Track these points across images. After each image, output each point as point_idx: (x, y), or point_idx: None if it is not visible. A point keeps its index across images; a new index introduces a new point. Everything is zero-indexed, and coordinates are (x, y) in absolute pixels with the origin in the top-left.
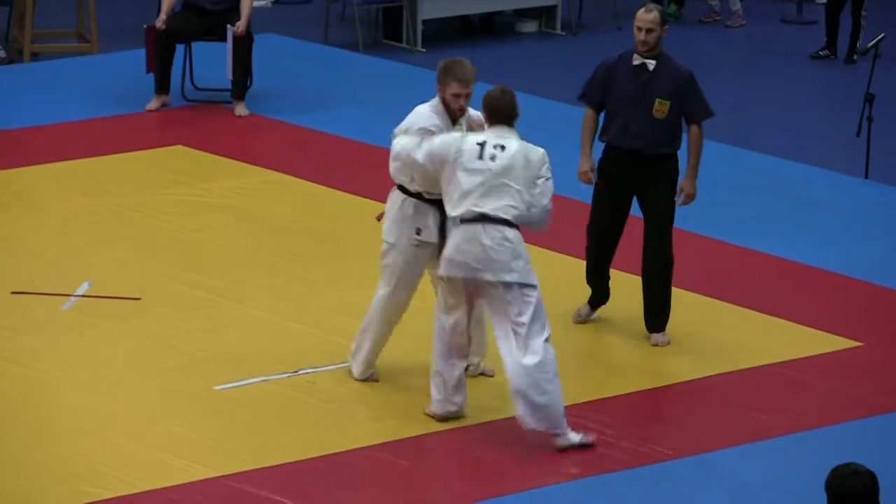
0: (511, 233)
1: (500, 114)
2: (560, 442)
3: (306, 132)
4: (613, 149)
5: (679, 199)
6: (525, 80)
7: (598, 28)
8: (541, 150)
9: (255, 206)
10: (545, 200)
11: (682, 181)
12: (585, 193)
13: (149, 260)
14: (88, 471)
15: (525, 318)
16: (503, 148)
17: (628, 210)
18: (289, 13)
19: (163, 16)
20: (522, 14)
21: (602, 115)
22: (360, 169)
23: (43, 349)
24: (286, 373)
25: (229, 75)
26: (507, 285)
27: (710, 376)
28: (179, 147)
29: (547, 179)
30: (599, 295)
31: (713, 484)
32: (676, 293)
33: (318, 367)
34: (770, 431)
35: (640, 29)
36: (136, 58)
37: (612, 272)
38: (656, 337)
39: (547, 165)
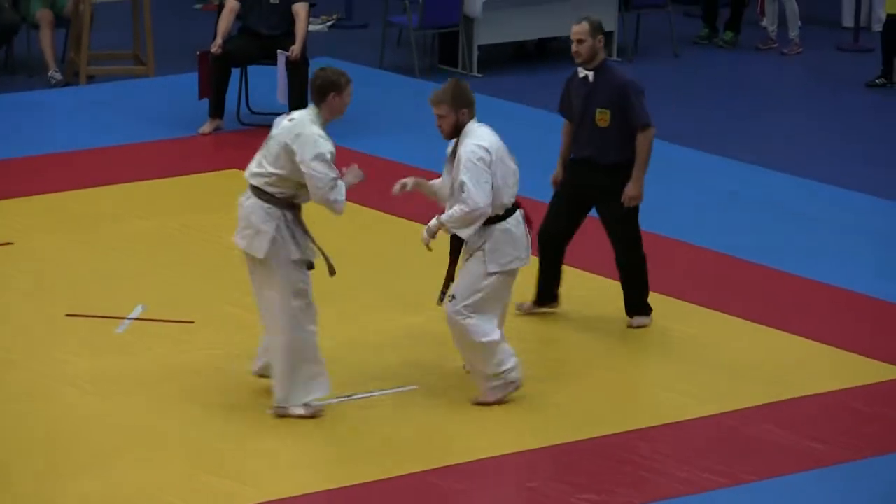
0: None
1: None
2: None
3: (362, 157)
4: (572, 158)
5: (623, 200)
6: None
7: (655, 54)
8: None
9: (310, 229)
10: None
11: (628, 184)
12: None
13: (202, 283)
14: (142, 494)
15: None
16: None
17: (579, 220)
18: (345, 37)
19: (219, 40)
20: None
21: None
22: (414, 194)
23: (97, 372)
24: (340, 397)
25: (281, 99)
26: None
27: (766, 403)
28: (233, 170)
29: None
30: (544, 295)
31: None
32: (735, 322)
33: (373, 392)
34: (825, 460)
35: (572, 41)
36: (192, 81)
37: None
38: (637, 319)
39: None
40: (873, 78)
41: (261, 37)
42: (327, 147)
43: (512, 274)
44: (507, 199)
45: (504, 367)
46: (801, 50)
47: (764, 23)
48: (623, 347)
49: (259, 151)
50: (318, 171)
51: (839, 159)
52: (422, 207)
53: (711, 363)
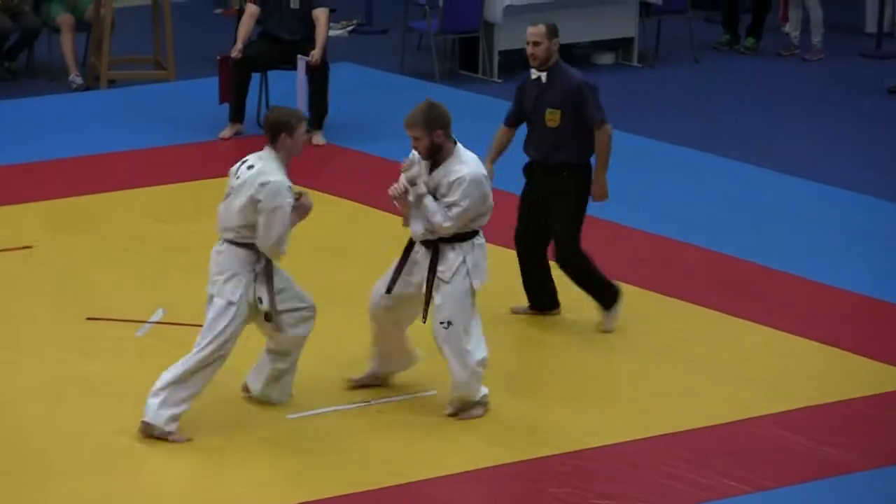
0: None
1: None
2: None
3: (383, 162)
4: (527, 162)
5: (595, 199)
6: None
7: (676, 60)
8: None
9: (332, 236)
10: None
11: (593, 182)
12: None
13: None
14: (156, 501)
15: None
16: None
17: (545, 222)
18: (365, 42)
19: (239, 44)
20: (599, 46)
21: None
22: None
23: (117, 375)
24: (358, 403)
25: (300, 105)
26: None
27: (784, 411)
28: None
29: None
30: (535, 302)
31: None
32: (754, 328)
33: (392, 398)
34: (844, 467)
35: (528, 42)
36: (212, 85)
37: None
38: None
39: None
40: (895, 83)
41: (281, 42)
42: (287, 200)
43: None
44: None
45: (484, 392)
46: (822, 56)
47: (787, 28)
48: (633, 353)
49: (222, 203)
50: (274, 225)
51: (860, 165)
52: None
53: (727, 368)
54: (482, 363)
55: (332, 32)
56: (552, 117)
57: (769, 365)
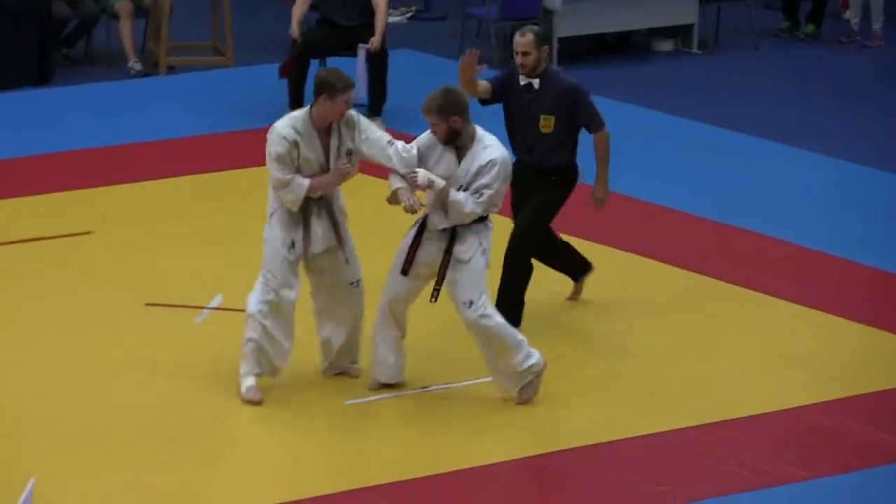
0: None
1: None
2: None
3: None
4: (518, 161)
5: (594, 205)
6: (660, 100)
7: (735, 47)
8: None
9: (387, 221)
10: None
11: (594, 187)
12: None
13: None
14: (218, 486)
15: None
16: None
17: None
18: (424, 29)
19: (294, 25)
20: (658, 33)
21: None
22: None
23: (176, 361)
24: (417, 388)
25: (360, 92)
26: None
27: (843, 397)
28: None
29: None
30: (580, 271)
31: None
32: (808, 313)
33: (450, 384)
34: None
35: (517, 52)
36: (271, 71)
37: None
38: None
39: None
40: None
41: (339, 28)
42: (277, 148)
43: None
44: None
45: (531, 362)
46: (882, 43)
47: (847, 15)
48: (687, 340)
49: None
50: (272, 171)
51: None
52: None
53: (783, 354)
54: (520, 342)
55: (390, 19)
56: (546, 123)
57: (825, 350)
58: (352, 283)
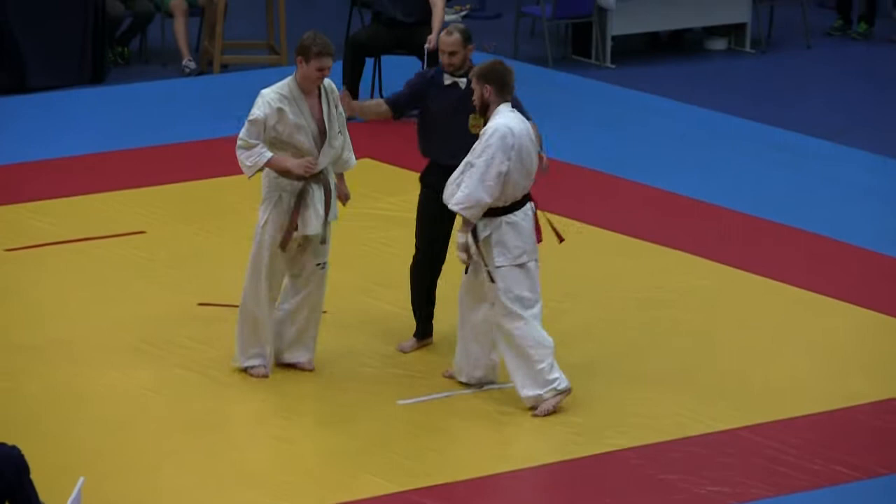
0: None
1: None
2: None
3: None
4: (435, 165)
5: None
6: (713, 98)
7: (788, 46)
8: None
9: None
10: None
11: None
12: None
13: (336, 273)
14: (284, 484)
15: None
16: None
17: (452, 225)
18: (478, 27)
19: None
20: (712, 31)
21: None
22: (548, 183)
23: (229, 360)
24: (471, 388)
25: None
26: None
27: (892, 398)
28: (367, 160)
29: None
30: (426, 324)
31: None
32: (860, 313)
33: (504, 384)
34: None
35: (443, 52)
36: None
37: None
38: None
39: None
40: None
41: (394, 25)
42: (257, 111)
43: (523, 268)
44: (520, 192)
45: (552, 376)
46: None
47: None
48: (738, 339)
49: None
50: (242, 130)
51: None
52: (563, 201)
53: (833, 354)
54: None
55: (446, 17)
56: (476, 123)
57: (876, 350)
58: (318, 265)
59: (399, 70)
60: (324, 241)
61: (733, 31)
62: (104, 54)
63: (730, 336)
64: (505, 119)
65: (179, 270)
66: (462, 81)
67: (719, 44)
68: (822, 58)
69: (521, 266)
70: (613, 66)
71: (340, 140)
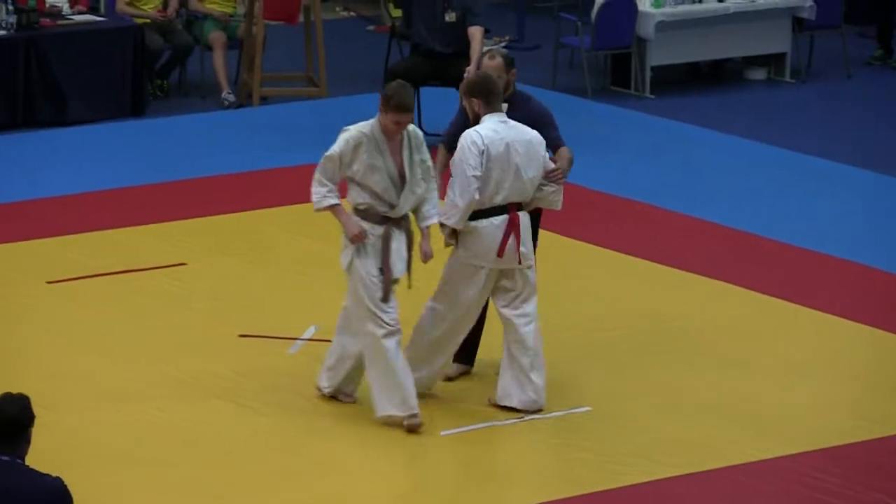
0: None
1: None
2: None
3: None
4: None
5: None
6: (753, 128)
7: (828, 75)
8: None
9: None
10: None
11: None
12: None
13: None
14: None
15: None
16: None
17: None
18: (517, 59)
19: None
20: (751, 61)
21: None
22: (585, 214)
23: (269, 392)
24: (514, 419)
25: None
26: None
27: None
28: None
29: None
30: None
31: None
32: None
33: (545, 415)
34: None
35: None
36: (365, 102)
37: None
38: None
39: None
40: None
41: (432, 55)
42: (335, 147)
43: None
44: (499, 197)
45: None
46: None
47: None
48: (776, 368)
49: None
50: (319, 165)
51: None
52: (601, 229)
53: (873, 382)
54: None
55: (484, 48)
56: None
57: None
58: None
59: (438, 101)
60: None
61: (773, 61)
62: (144, 87)
63: (769, 364)
64: (476, 127)
65: (219, 302)
66: (504, 106)
67: (759, 74)
68: (862, 87)
69: (472, 266)
70: (653, 97)
71: (423, 188)
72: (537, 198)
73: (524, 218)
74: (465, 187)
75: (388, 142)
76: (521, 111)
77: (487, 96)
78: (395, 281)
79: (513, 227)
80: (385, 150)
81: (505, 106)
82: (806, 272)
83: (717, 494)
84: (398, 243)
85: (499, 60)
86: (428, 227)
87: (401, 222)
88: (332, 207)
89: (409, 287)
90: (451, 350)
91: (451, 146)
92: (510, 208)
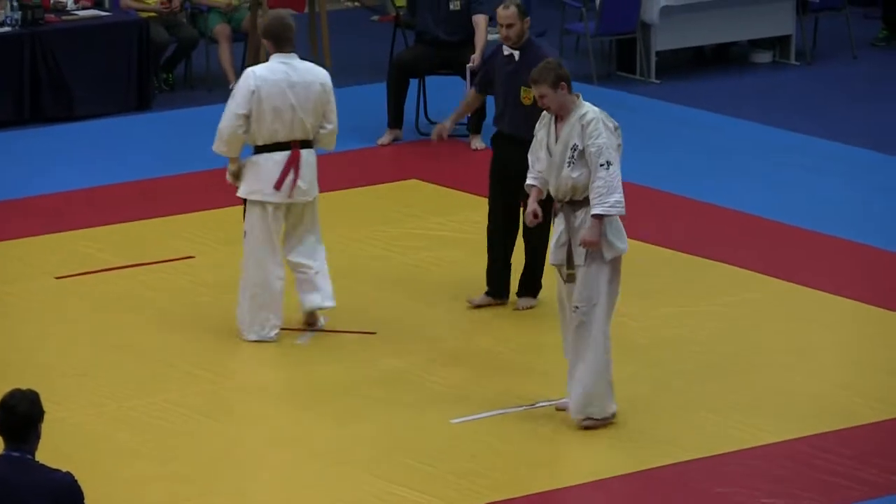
0: None
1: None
2: None
3: None
4: (498, 133)
5: None
6: (759, 111)
7: (833, 57)
8: None
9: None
10: None
11: None
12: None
13: (384, 294)
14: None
15: None
16: None
17: (519, 194)
18: None
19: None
20: (756, 44)
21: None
22: None
23: (278, 382)
24: (523, 406)
25: None
26: None
27: None
28: (413, 181)
29: None
30: (495, 289)
31: None
32: None
33: (556, 400)
34: None
35: (500, 25)
36: (370, 92)
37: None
38: (525, 301)
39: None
40: None
41: (438, 44)
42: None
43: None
44: (280, 135)
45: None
46: None
47: None
48: (789, 349)
49: None
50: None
51: None
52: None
53: (885, 364)
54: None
55: (489, 36)
56: (527, 95)
57: None
58: None
59: (443, 90)
60: None
61: (778, 44)
62: (150, 81)
63: (782, 348)
64: (254, 67)
65: (228, 294)
66: (517, 54)
67: (764, 56)
68: (867, 68)
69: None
70: (658, 82)
71: None
72: (315, 139)
73: (307, 155)
74: (229, 121)
75: None
76: (531, 61)
77: (276, 38)
78: None
79: (292, 162)
80: None
81: (517, 53)
82: (813, 254)
83: (728, 478)
84: None
85: (512, 9)
86: None
87: None
88: None
89: None
90: None
91: (481, 88)
92: (293, 145)
